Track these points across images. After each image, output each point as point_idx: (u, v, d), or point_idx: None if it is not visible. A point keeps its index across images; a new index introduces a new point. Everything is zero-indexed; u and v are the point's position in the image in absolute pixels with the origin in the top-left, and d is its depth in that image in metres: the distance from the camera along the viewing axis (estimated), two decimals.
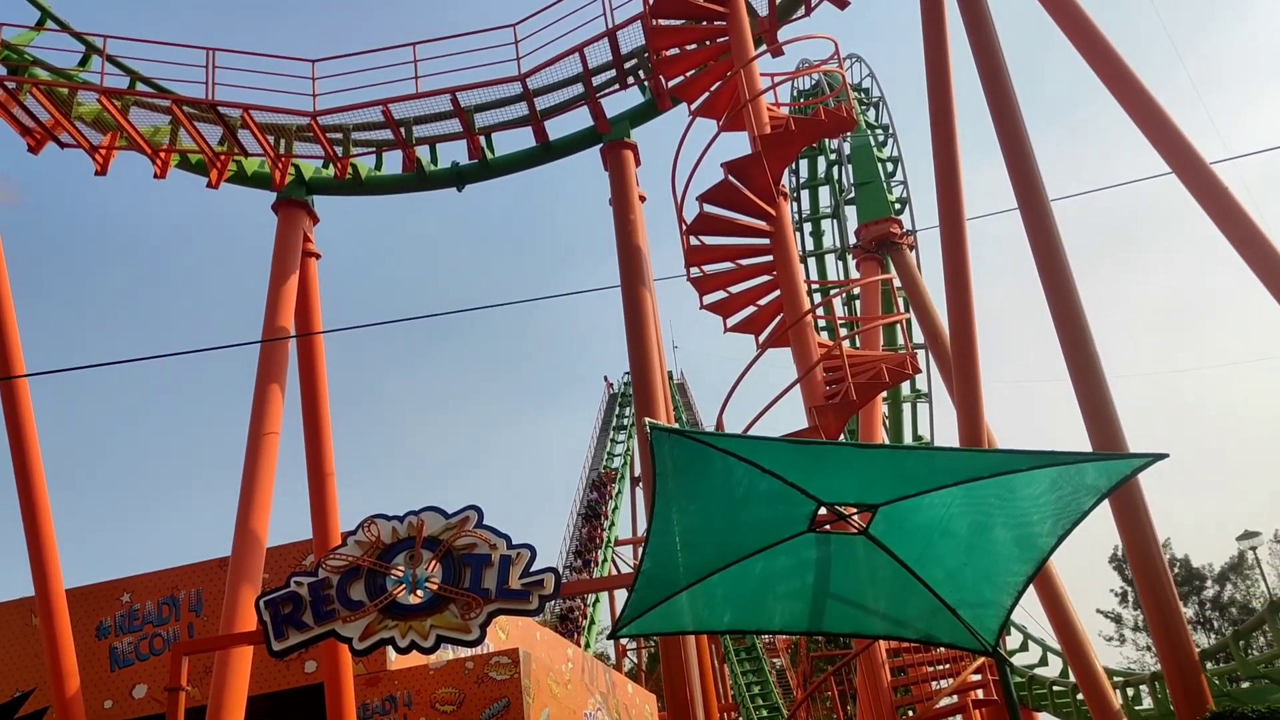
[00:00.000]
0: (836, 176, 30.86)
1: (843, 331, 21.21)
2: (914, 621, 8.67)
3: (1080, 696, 18.37)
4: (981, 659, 13.43)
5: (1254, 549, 28.87)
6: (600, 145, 17.25)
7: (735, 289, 15.29)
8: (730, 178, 14.22)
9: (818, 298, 26.26)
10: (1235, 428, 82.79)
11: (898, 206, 26.58)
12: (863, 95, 30.72)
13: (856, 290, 26.27)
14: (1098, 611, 51.01)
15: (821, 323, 23.25)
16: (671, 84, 16.55)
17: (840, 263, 31.53)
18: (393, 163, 18.11)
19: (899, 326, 21.29)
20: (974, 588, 8.06)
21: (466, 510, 10.73)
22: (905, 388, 27.78)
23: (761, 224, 14.64)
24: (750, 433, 11.53)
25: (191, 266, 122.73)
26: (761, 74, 15.60)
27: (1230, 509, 71.22)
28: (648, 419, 6.44)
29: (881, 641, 14.33)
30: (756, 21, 16.45)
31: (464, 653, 17.36)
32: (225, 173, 16.81)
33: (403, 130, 16.87)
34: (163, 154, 16.22)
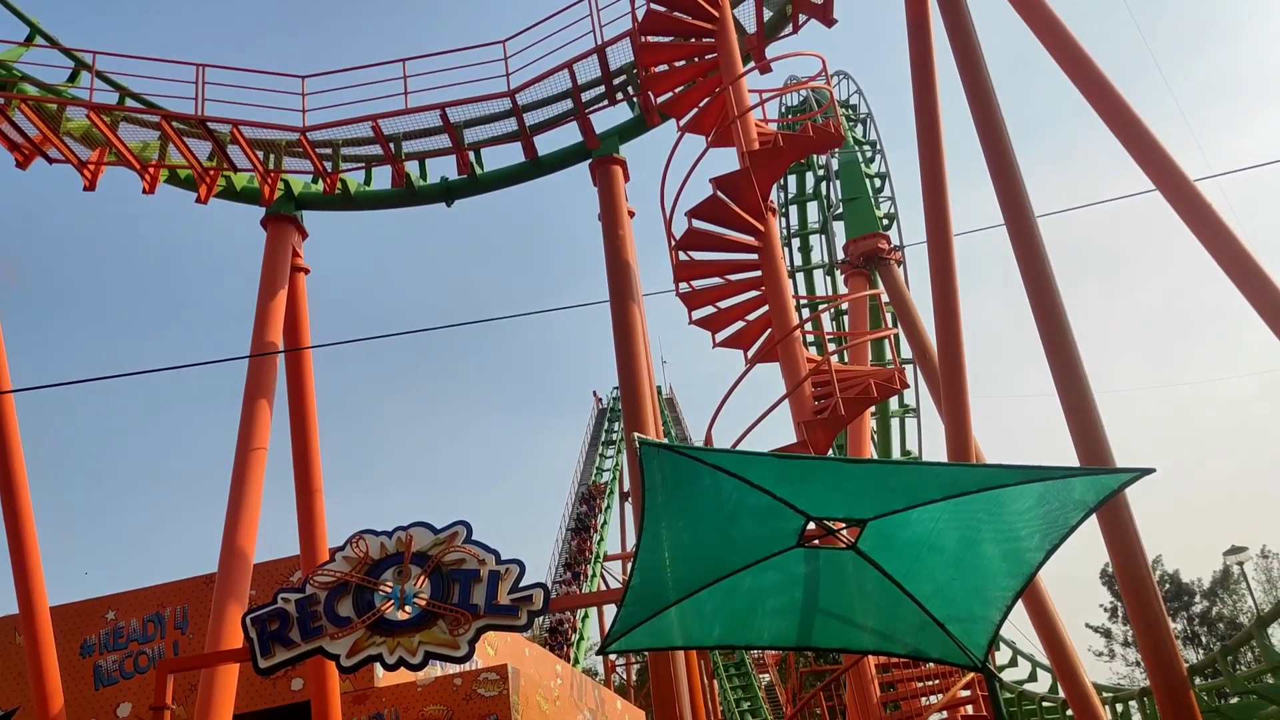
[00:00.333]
0: (825, 192, 31.02)
1: (831, 347, 21.26)
2: (903, 636, 8.67)
3: (1070, 712, 18.37)
4: (971, 674, 13.43)
5: (1240, 564, 28.95)
6: (589, 160, 17.30)
7: (724, 304, 15.32)
8: (719, 193, 14.26)
9: (806, 313, 26.33)
10: (1223, 442, 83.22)
11: (885, 222, 26.70)
12: (850, 111, 30.90)
13: (845, 305, 26.34)
14: (1087, 626, 51.14)
15: (810, 338, 23.31)
16: (660, 100, 16.62)
17: (829, 278, 31.65)
18: (382, 178, 18.13)
19: (887, 342, 21.38)
20: (962, 603, 8.07)
21: (455, 525, 10.70)
22: (893, 403, 27.86)
23: (750, 239, 14.68)
24: (739, 448, 11.54)
25: (180, 282, 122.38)
26: (750, 90, 15.68)
27: (1221, 524, 71.50)
28: (637, 434, 6.43)
29: (871, 657, 14.31)
30: (744, 39, 16.55)
31: (452, 669, 17.26)
32: (214, 188, 16.79)
33: (392, 145, 16.89)
34: (151, 169, 16.20)
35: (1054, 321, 13.43)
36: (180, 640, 19.46)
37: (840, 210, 27.67)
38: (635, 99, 17.46)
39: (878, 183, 28.41)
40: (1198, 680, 15.64)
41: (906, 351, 24.45)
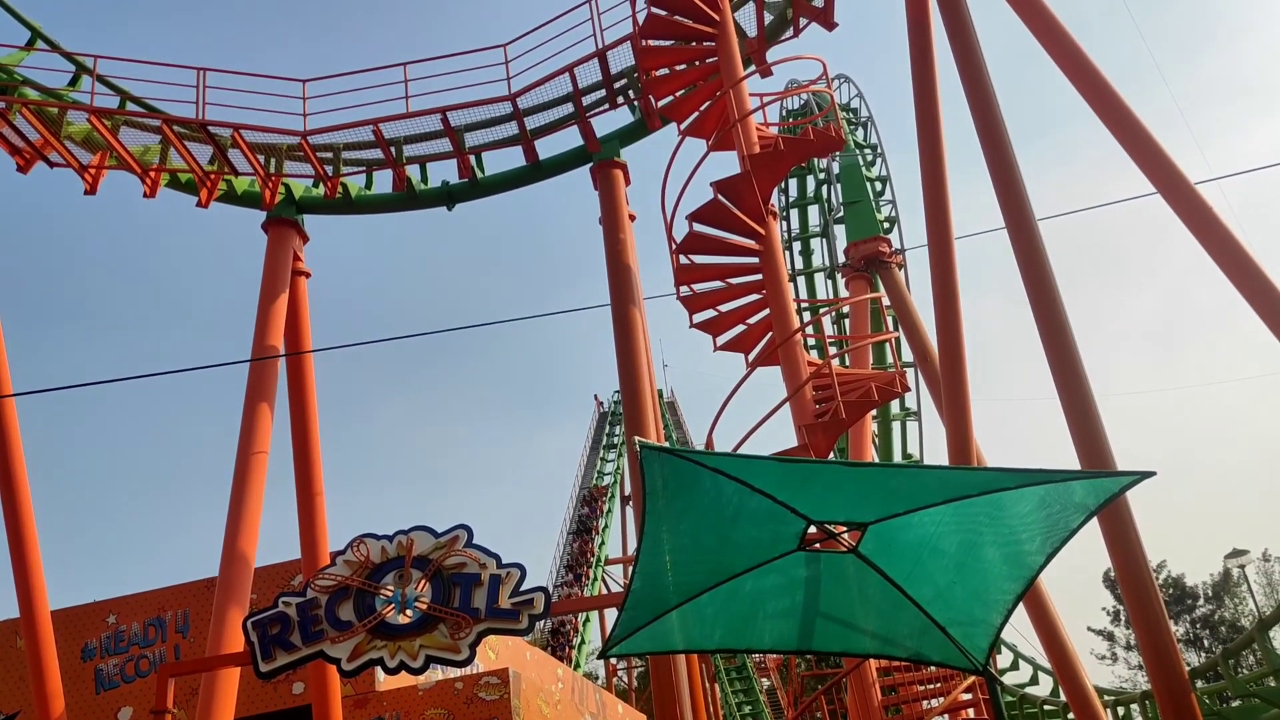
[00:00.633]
0: (825, 195, 31.04)
1: (832, 350, 21.26)
2: (904, 640, 8.67)
3: (1071, 716, 18.35)
4: (972, 678, 13.40)
5: (1242, 567, 28.91)
6: (590, 164, 17.31)
7: (725, 307, 15.33)
8: (720, 197, 14.27)
9: (807, 316, 26.35)
10: (1225, 445, 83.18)
11: (886, 225, 26.72)
12: (851, 115, 30.93)
13: (846, 309, 26.34)
14: (1089, 630, 51.09)
15: (811, 341, 23.31)
16: (661, 104, 16.63)
17: (829, 281, 31.67)
18: (383, 182, 18.15)
19: (888, 345, 21.36)
20: (964, 606, 8.07)
21: (456, 529, 10.70)
22: (894, 406, 27.85)
23: (751, 243, 14.69)
24: (740, 451, 11.53)
25: (181, 286, 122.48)
26: (750, 94, 15.69)
27: (1225, 527, 71.45)
28: (638, 438, 6.44)
29: (872, 660, 14.30)
30: (745, 42, 16.56)
31: (453, 673, 17.27)
32: (215, 192, 16.81)
33: (393, 149, 16.91)
34: (152, 173, 16.22)
35: (1055, 324, 13.43)
36: (181, 644, 19.46)
37: (841, 213, 27.68)
38: (636, 103, 17.49)
39: (878, 186, 28.43)
40: (1199, 683, 15.64)
41: (907, 354, 24.44)
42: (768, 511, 7.05)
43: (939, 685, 14.83)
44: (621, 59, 16.67)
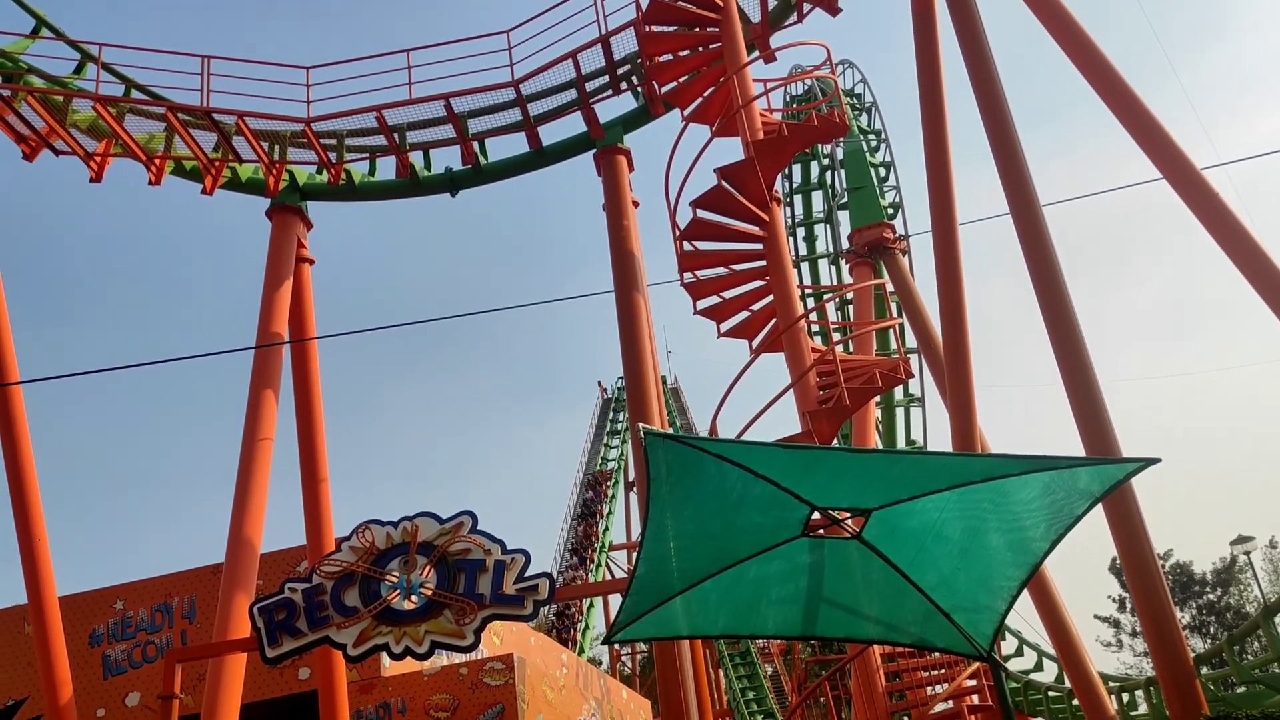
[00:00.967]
0: (829, 182, 30.94)
1: (836, 336, 21.25)
2: (908, 626, 8.68)
3: (1076, 702, 18.38)
4: (976, 664, 13.43)
5: (1247, 553, 28.88)
6: (594, 151, 17.28)
7: (728, 294, 15.32)
8: (723, 183, 14.25)
9: (811, 303, 26.34)
10: (1232, 433, 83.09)
11: (890, 211, 26.63)
12: (855, 100, 30.80)
13: (849, 295, 26.30)
14: (1096, 617, 51.13)
15: (815, 327, 23.28)
16: (664, 90, 16.59)
17: (833, 267, 31.57)
18: (387, 168, 18.15)
19: (892, 331, 21.34)
20: (968, 592, 8.08)
21: (460, 515, 10.73)
22: (898, 392, 27.77)
23: (755, 229, 14.67)
24: (744, 438, 11.55)
25: (186, 273, 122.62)
26: (754, 80, 15.65)
27: (1233, 514, 71.37)
28: (642, 424, 6.44)
29: (876, 646, 14.32)
30: (749, 28, 16.51)
31: (458, 658, 17.35)
32: (220, 179, 16.81)
33: (396, 136, 16.89)
34: (157, 161, 16.22)
35: (1060, 310, 13.41)
36: (188, 630, 19.56)
37: (845, 199, 27.59)
38: (639, 89, 17.44)
39: (882, 172, 28.31)
40: (1204, 669, 15.63)
41: (911, 341, 24.41)
42: (771, 498, 7.05)
43: (943, 671, 14.87)
44: (625, 45, 16.62)
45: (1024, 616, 20.48)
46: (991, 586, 8.00)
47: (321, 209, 18.35)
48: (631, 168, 17.22)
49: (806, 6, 16.67)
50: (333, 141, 16.86)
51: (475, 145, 17.43)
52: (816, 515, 7.48)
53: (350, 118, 16.61)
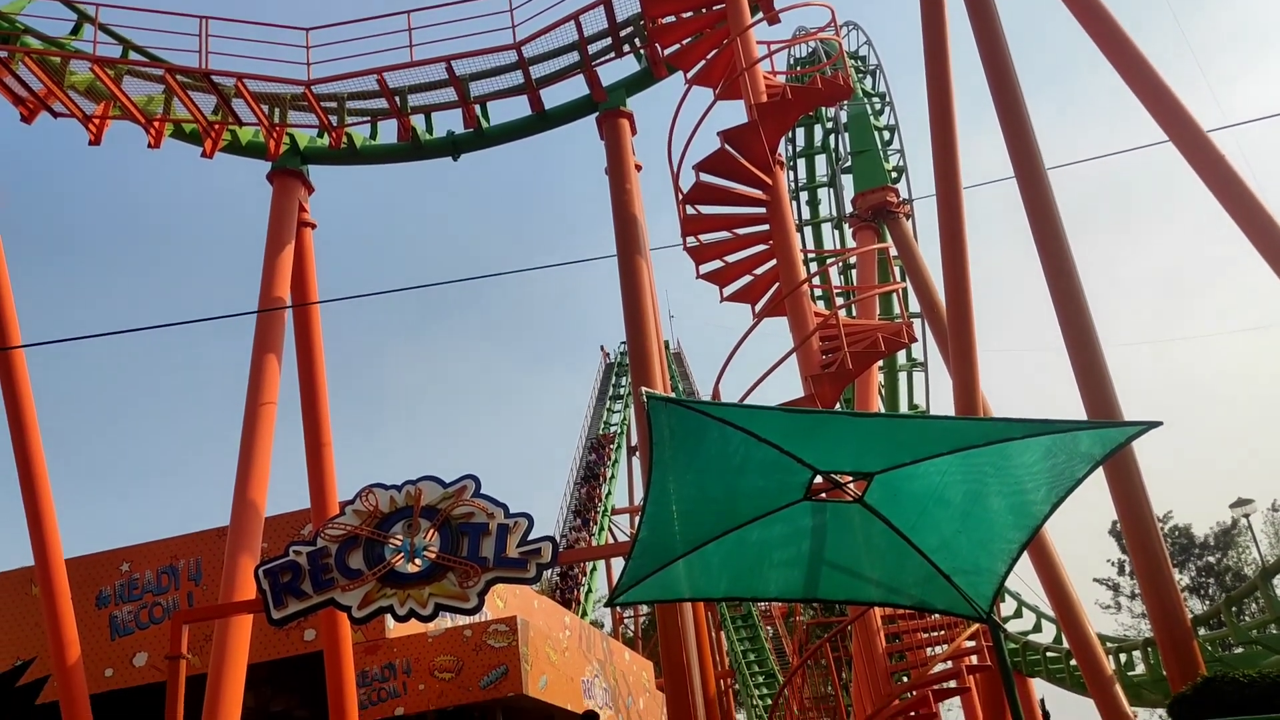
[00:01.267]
0: (833, 145, 30.75)
1: (839, 300, 21.22)
2: (909, 588, 8.74)
3: (1073, 662, 18.54)
4: (976, 626, 13.53)
5: (1247, 516, 28.99)
6: (596, 114, 17.17)
7: (731, 258, 15.28)
8: (726, 146, 14.17)
9: (814, 267, 26.24)
10: (1235, 395, 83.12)
11: (894, 175, 26.50)
12: (859, 63, 30.55)
13: (853, 259, 26.23)
14: (1095, 580, 51.44)
15: (818, 292, 23.24)
16: (667, 52, 16.45)
17: (836, 232, 31.47)
18: (388, 132, 18.04)
19: (895, 295, 21.35)
20: (968, 555, 8.13)
21: (464, 480, 10.78)
22: (901, 356, 27.80)
23: (758, 193, 14.60)
24: (746, 402, 11.57)
25: (188, 237, 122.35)
26: (758, 42, 15.50)
27: (1236, 477, 71.50)
28: (644, 388, 6.45)
29: (876, 608, 14.42)
30: None
31: (462, 621, 17.51)
32: (219, 142, 16.73)
33: (397, 99, 16.78)
34: (157, 123, 16.13)
35: (1063, 273, 13.39)
36: (194, 591, 19.73)
37: (849, 163, 27.42)
38: (642, 51, 17.30)
39: (886, 135, 28.13)
40: (1202, 630, 15.76)
41: (914, 305, 24.38)
42: (774, 462, 7.08)
43: (943, 633, 14.98)
44: (628, 6, 16.45)
45: (1023, 579, 20.60)
46: (992, 549, 8.05)
47: (323, 173, 18.29)
48: (634, 131, 17.12)
49: None
50: (333, 104, 16.76)
51: (477, 108, 17.32)
52: (819, 479, 7.51)
53: (351, 80, 16.50)
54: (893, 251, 23.61)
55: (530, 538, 10.43)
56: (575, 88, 17.42)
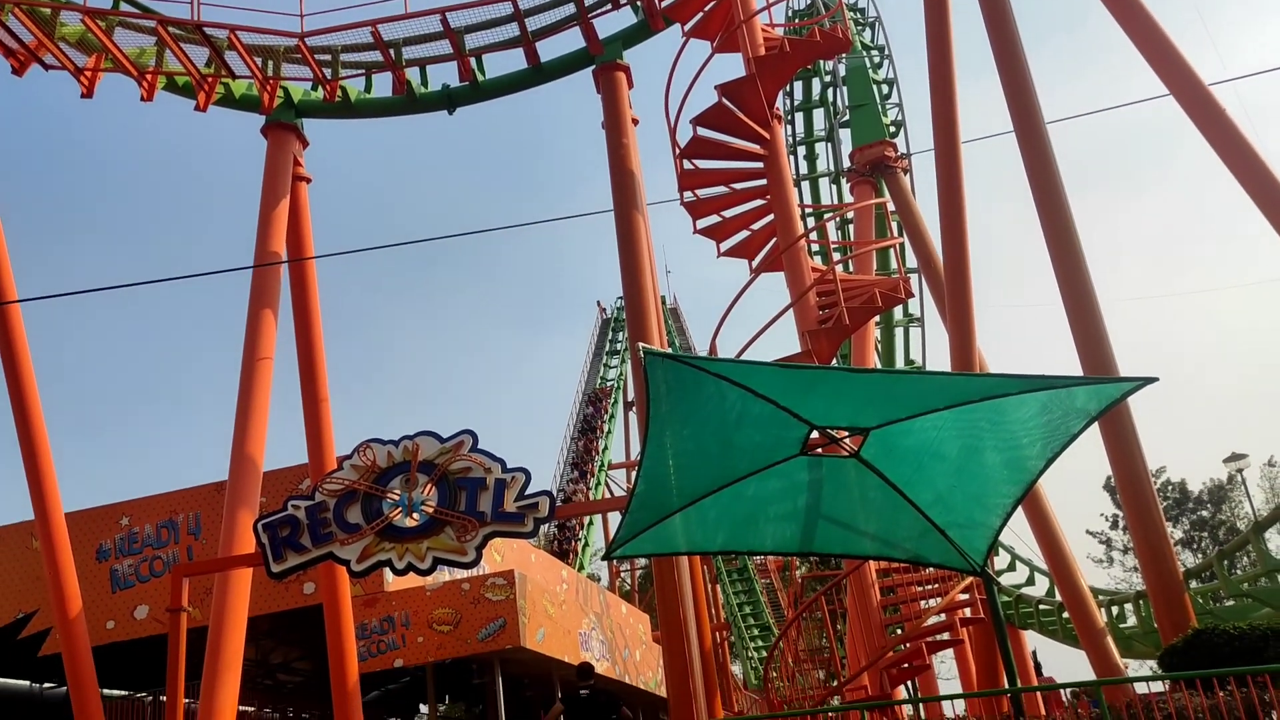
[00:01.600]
0: (831, 99, 30.49)
1: (836, 256, 21.16)
2: (904, 542, 8.82)
3: (1066, 615, 18.74)
4: (969, 579, 13.65)
5: (1240, 471, 29.15)
6: (593, 67, 16.99)
7: (729, 213, 15.21)
8: (724, 100, 14.05)
9: (811, 222, 26.15)
10: (1233, 351, 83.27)
11: (892, 129, 26.32)
12: (858, 15, 30.24)
13: (850, 214, 26.12)
14: (1088, 532, 51.87)
15: (815, 247, 23.15)
16: (665, 4, 16.26)
17: (834, 186, 31.30)
18: (383, 85, 17.85)
19: (892, 251, 21.25)
20: (963, 509, 8.19)
21: (461, 434, 10.80)
22: (898, 312, 27.78)
23: (755, 147, 14.51)
24: (743, 357, 11.58)
25: (185, 191, 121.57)
26: None
27: (1233, 433, 71.86)
28: (641, 343, 6.45)
29: (871, 562, 14.54)
30: None
31: (460, 574, 17.65)
32: (213, 95, 16.55)
33: (392, 52, 16.59)
34: (149, 76, 15.95)
35: (1061, 229, 13.36)
36: (194, 545, 19.85)
37: (846, 117, 27.22)
38: (639, 3, 17.07)
39: (885, 89, 27.90)
40: (1193, 583, 15.92)
41: (911, 260, 24.32)
42: (770, 416, 7.10)
43: (937, 586, 15.10)
44: None
45: (1017, 533, 20.78)
46: (986, 504, 8.11)
47: (317, 127, 18.13)
48: (631, 85, 16.95)
49: None
50: (327, 57, 16.56)
51: (473, 62, 17.12)
52: (815, 434, 7.54)
53: (345, 33, 16.29)
54: (890, 206, 23.53)
55: (527, 492, 10.47)
56: (572, 40, 17.23)
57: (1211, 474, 52.88)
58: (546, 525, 24.84)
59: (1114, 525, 50.50)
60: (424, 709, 31.81)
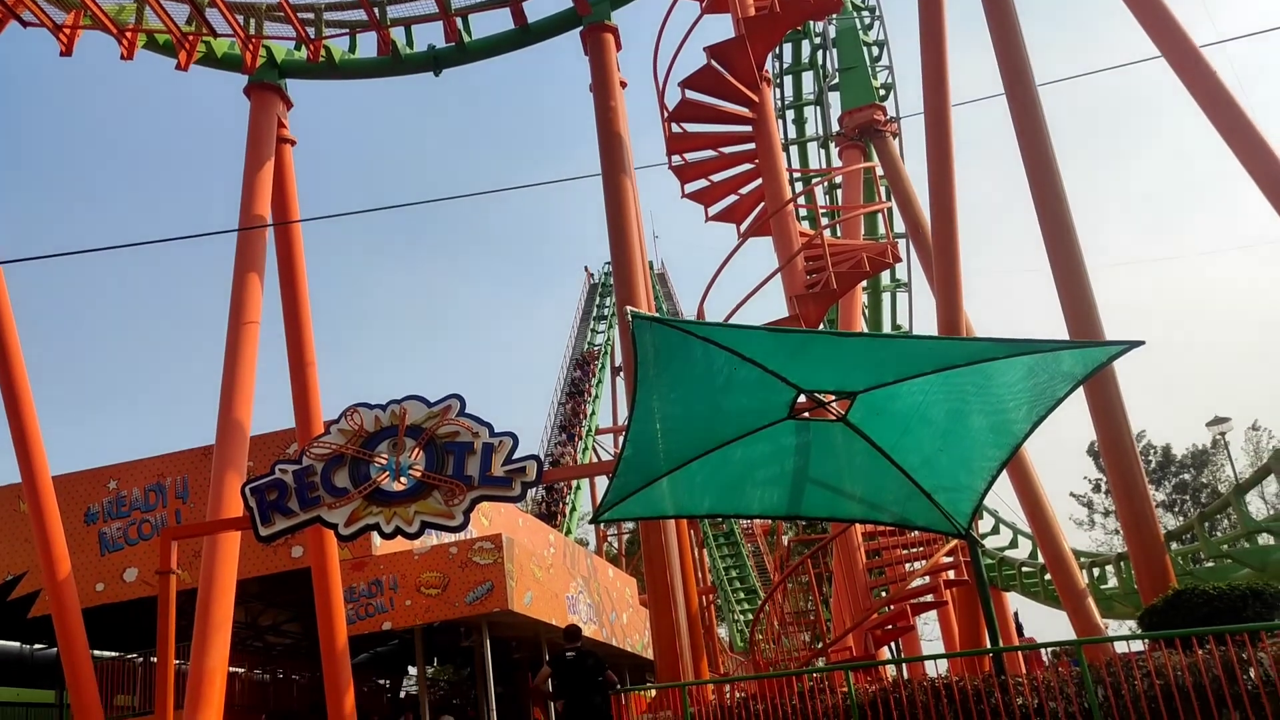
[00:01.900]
0: (821, 61, 30.24)
1: (824, 220, 21.12)
2: (890, 505, 8.88)
3: (1048, 577, 18.93)
4: (954, 541, 13.76)
5: (1223, 434, 29.39)
6: (580, 28, 16.81)
7: (717, 177, 15.13)
8: (713, 62, 13.94)
9: (799, 186, 26.05)
10: (1221, 316, 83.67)
11: (882, 93, 26.15)
12: None
13: (839, 179, 26.02)
14: (1071, 495, 52.35)
15: (803, 212, 23.10)
16: None
17: (823, 151, 31.12)
18: (368, 46, 17.64)
19: (880, 215, 21.25)
20: (948, 473, 8.24)
21: (448, 399, 10.79)
22: (885, 277, 27.75)
23: (744, 110, 14.42)
24: (731, 321, 11.58)
25: (167, 153, 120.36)
26: None
27: (1220, 397, 72.36)
28: (629, 307, 6.44)
29: (858, 525, 14.64)
30: None
31: (448, 538, 17.70)
32: (194, 54, 16.32)
33: (376, 11, 16.37)
34: (129, 34, 15.70)
35: (1050, 192, 13.33)
36: (181, 509, 19.85)
37: (836, 80, 27.01)
38: None
39: (875, 51, 27.68)
40: (1174, 545, 16.09)
41: (900, 225, 24.27)
42: (758, 381, 7.12)
43: (922, 549, 15.22)
44: None
45: (1001, 497, 20.90)
46: (972, 467, 8.16)
47: (302, 88, 17.91)
48: (619, 46, 16.76)
49: None
50: (310, 15, 16.34)
51: (458, 21, 16.92)
52: (802, 398, 7.57)
53: None
54: (879, 171, 23.42)
55: (515, 456, 10.49)
56: (559, 0, 17.04)
57: (1195, 438, 53.36)
58: (535, 489, 24.98)
59: (1096, 489, 50.97)
60: (412, 671, 32.04)
